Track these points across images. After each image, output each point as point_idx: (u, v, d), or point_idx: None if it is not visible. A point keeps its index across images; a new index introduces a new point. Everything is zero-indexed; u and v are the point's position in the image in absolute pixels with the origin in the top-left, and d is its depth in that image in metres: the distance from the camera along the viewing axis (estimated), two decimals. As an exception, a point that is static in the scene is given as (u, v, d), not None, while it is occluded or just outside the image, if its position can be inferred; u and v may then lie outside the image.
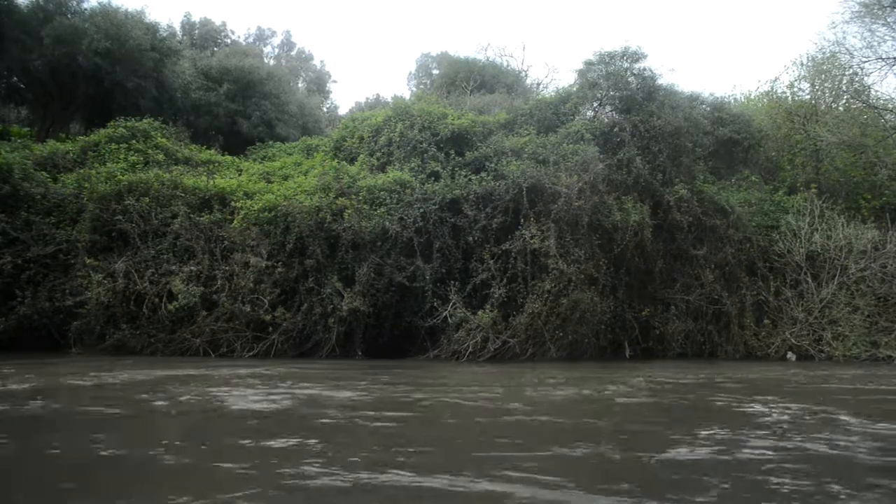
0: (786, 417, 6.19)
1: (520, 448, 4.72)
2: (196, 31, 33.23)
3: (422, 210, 12.65)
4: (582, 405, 6.98)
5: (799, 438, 5.07)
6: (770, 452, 4.53)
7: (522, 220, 12.53)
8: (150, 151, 14.76)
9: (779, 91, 21.06)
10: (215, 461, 4.18)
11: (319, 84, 43.77)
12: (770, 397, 7.62)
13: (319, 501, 3.41)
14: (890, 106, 18.73)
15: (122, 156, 14.29)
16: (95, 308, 11.42)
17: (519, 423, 5.82)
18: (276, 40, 47.06)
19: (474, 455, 4.42)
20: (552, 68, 52.34)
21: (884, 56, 17.56)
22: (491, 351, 11.76)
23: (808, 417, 6.27)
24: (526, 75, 32.07)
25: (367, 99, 37.52)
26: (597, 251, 12.96)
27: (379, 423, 5.61)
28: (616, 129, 14.58)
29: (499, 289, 12.15)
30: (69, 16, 19.50)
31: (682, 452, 4.54)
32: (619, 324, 13.45)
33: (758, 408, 6.69)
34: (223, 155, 17.05)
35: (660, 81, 15.18)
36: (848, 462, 4.38)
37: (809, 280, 14.24)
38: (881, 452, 4.64)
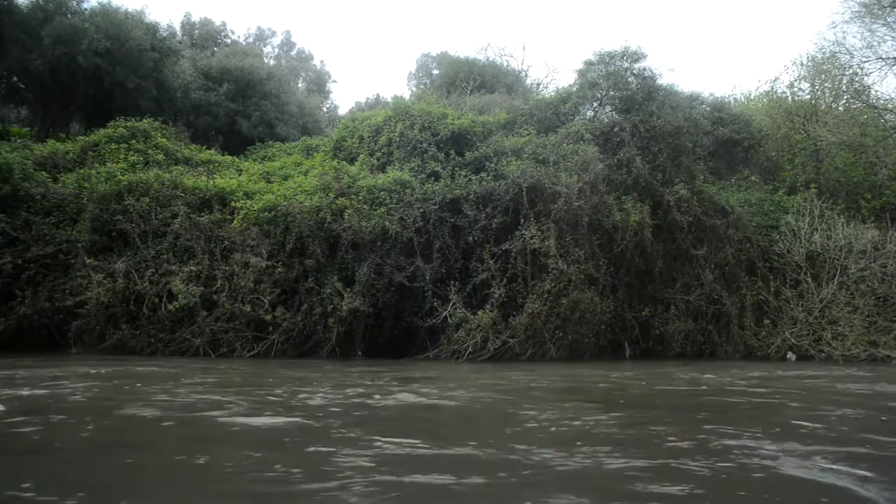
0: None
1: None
2: (196, 31, 33.21)
3: (422, 210, 12.65)
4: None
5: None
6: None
7: (522, 220, 12.53)
8: (150, 151, 14.76)
9: (779, 91, 21.10)
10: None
11: (319, 84, 43.76)
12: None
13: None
14: (890, 106, 18.74)
15: (122, 156, 14.29)
16: (95, 308, 11.42)
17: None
18: (276, 40, 47.04)
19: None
20: (552, 68, 52.55)
21: (884, 56, 17.58)
22: (491, 351, 11.76)
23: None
24: (526, 75, 32.12)
25: (367, 99, 37.53)
26: (597, 251, 12.96)
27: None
28: (616, 129, 14.58)
29: (499, 289, 12.15)
30: (69, 16, 19.50)
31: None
32: (619, 324, 13.46)
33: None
34: (223, 155, 17.04)
35: (660, 81, 15.21)
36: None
37: (809, 280, 14.24)
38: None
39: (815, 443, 4.78)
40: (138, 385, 7.43)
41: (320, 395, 7.02)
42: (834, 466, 4.01)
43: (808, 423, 5.59)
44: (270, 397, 6.80)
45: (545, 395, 7.68)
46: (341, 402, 6.53)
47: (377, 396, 6.89)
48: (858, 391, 8.41)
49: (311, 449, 4.37)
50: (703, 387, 8.70)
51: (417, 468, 3.89)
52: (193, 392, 6.97)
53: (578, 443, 4.57)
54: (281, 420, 5.38)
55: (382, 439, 4.60)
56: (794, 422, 5.80)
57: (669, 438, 4.90)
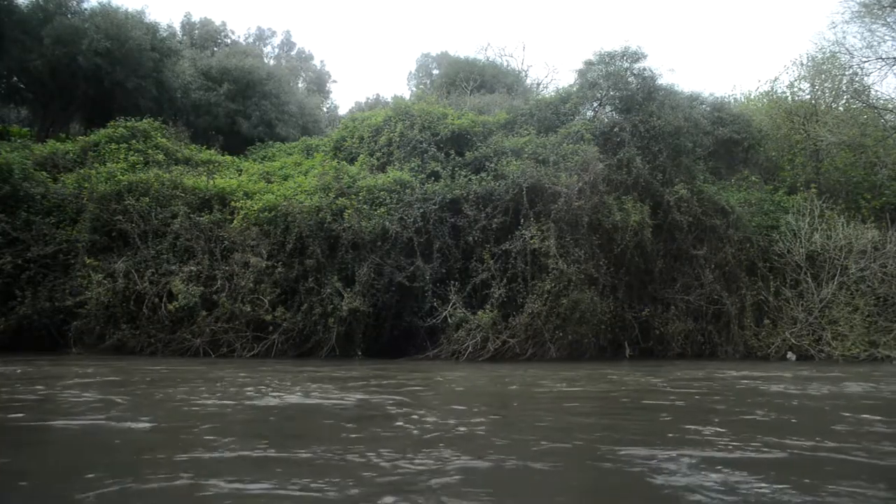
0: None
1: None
2: (196, 31, 33.21)
3: (422, 210, 12.65)
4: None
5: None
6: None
7: (522, 220, 12.53)
8: (150, 151, 14.76)
9: (779, 91, 21.09)
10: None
11: (319, 84, 43.77)
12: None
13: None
14: (890, 106, 18.74)
15: (122, 156, 14.29)
16: (95, 308, 11.42)
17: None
18: (276, 40, 47.08)
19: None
20: (552, 68, 52.48)
21: (884, 56, 17.58)
22: (491, 351, 11.76)
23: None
24: (526, 75, 32.10)
25: (367, 99, 37.55)
26: (597, 251, 12.96)
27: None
28: (616, 129, 14.58)
29: (499, 289, 12.15)
30: (69, 16, 19.50)
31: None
32: (619, 324, 13.46)
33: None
34: (223, 155, 17.05)
35: (660, 81, 15.21)
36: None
37: (809, 280, 14.24)
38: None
39: (688, 446, 4.64)
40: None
41: (217, 395, 6.88)
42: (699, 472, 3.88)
43: (705, 427, 5.44)
44: (158, 396, 6.71)
45: (452, 397, 7.50)
46: (221, 402, 6.38)
47: (271, 397, 6.76)
48: (792, 392, 8.23)
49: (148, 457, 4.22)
50: (627, 388, 8.36)
51: (233, 472, 3.78)
52: (70, 392, 6.85)
53: (426, 448, 4.41)
54: (142, 424, 5.20)
55: (221, 441, 4.56)
56: (687, 426, 5.50)
57: (542, 442, 4.74)
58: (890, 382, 9.61)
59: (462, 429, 5.29)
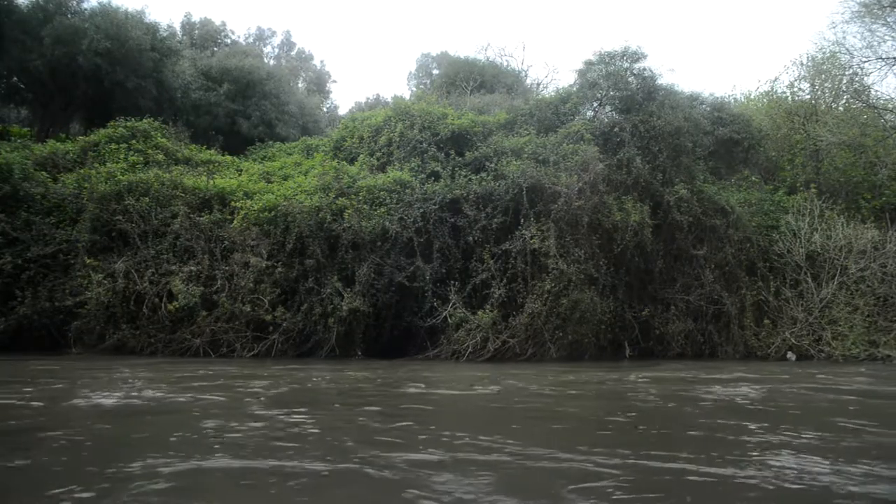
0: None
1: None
2: (196, 31, 33.22)
3: (422, 210, 12.65)
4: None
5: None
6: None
7: (522, 220, 12.53)
8: (150, 151, 14.76)
9: (779, 91, 21.10)
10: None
11: (319, 84, 43.77)
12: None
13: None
14: (890, 106, 18.74)
15: (122, 156, 14.29)
16: (95, 308, 11.42)
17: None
18: (276, 40, 47.08)
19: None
20: (552, 68, 52.47)
21: (884, 56, 17.58)
22: (491, 351, 11.76)
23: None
24: (526, 75, 32.12)
25: (367, 99, 37.57)
26: (597, 251, 12.96)
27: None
28: (616, 129, 14.57)
29: (499, 289, 12.15)
30: (69, 16, 19.51)
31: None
32: (619, 324, 13.45)
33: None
34: (223, 155, 17.04)
35: (660, 81, 15.20)
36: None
37: (809, 280, 14.24)
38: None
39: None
40: None
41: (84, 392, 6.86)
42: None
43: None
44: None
45: (291, 397, 7.30)
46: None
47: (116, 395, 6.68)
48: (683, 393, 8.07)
49: None
50: (494, 391, 8.06)
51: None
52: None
53: (217, 446, 4.34)
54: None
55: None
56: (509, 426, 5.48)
57: (345, 440, 4.69)
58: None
59: (288, 426, 5.26)
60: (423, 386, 8.33)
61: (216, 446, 4.49)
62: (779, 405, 7.11)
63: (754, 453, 4.58)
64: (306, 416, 5.72)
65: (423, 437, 5.00)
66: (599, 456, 4.32)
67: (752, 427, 5.55)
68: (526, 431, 5.41)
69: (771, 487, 3.70)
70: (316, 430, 5.16)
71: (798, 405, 7.21)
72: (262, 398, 6.89)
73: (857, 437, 5.29)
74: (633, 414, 6.41)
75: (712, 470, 4.04)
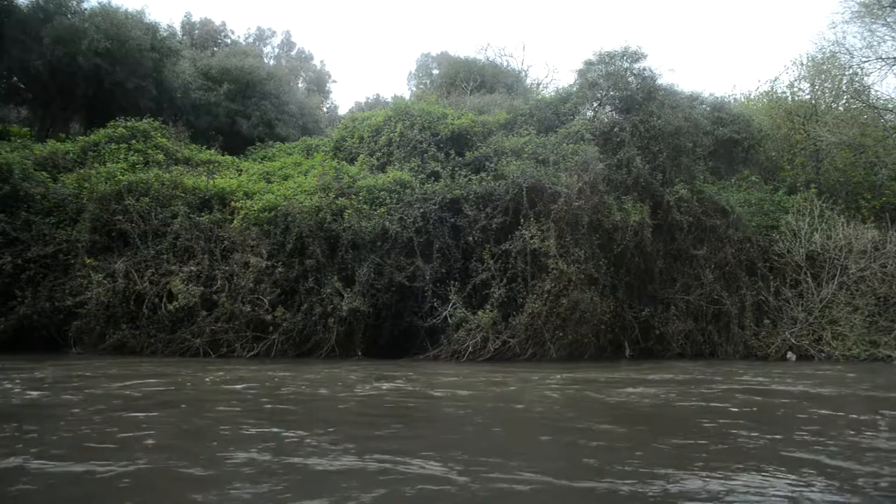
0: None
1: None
2: (196, 31, 33.25)
3: (422, 210, 12.65)
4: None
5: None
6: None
7: (522, 220, 12.53)
8: (150, 151, 14.76)
9: (779, 91, 21.10)
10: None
11: (319, 84, 43.79)
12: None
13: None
14: (890, 106, 18.73)
15: (122, 156, 14.29)
16: (95, 308, 11.41)
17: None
18: (276, 40, 47.10)
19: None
20: (552, 68, 52.42)
21: (884, 56, 17.56)
22: (491, 351, 11.76)
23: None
24: (526, 75, 32.08)
25: (367, 99, 37.59)
26: (597, 251, 12.95)
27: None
28: (616, 129, 14.58)
29: (499, 289, 12.15)
30: (69, 16, 19.50)
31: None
32: (619, 324, 13.45)
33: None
34: (223, 155, 17.05)
35: (660, 81, 15.20)
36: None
37: (809, 280, 14.24)
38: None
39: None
40: None
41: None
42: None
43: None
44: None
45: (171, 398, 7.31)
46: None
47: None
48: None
49: None
50: (384, 391, 8.01)
51: None
52: None
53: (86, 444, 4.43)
54: None
55: None
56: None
57: (229, 447, 4.75)
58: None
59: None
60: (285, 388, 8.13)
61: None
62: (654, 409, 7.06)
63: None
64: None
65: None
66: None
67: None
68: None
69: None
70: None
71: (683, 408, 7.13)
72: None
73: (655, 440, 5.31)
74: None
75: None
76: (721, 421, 6.22)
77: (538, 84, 31.12)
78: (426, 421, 6.37)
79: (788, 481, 4.04)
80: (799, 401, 7.78)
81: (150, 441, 4.84)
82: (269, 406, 6.73)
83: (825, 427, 5.94)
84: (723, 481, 4.00)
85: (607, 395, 7.90)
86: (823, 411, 6.97)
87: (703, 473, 4.18)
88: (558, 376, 9.52)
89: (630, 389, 8.25)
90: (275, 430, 5.35)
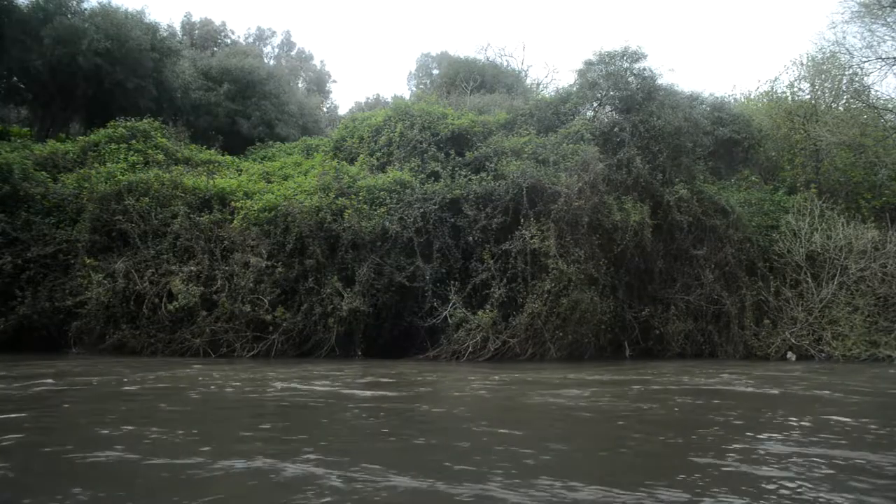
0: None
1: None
2: (196, 31, 33.26)
3: (422, 210, 12.65)
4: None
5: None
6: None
7: (522, 220, 12.53)
8: (150, 151, 14.76)
9: (779, 91, 21.08)
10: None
11: (319, 84, 43.81)
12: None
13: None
14: (890, 106, 18.73)
15: (122, 156, 14.30)
16: (95, 308, 11.42)
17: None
18: (276, 40, 47.11)
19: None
20: (552, 68, 52.51)
21: (884, 56, 17.56)
22: (491, 351, 11.76)
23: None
24: (526, 75, 32.11)
25: (367, 99, 37.59)
26: (597, 251, 12.95)
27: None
28: (616, 129, 14.58)
29: (499, 289, 12.14)
30: (69, 16, 19.51)
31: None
32: (619, 324, 13.45)
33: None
34: (223, 155, 17.06)
35: (660, 81, 15.20)
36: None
37: (809, 280, 14.24)
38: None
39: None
40: None
41: None
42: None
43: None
44: None
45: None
46: None
47: None
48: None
49: None
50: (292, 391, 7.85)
51: None
52: None
53: None
54: None
55: None
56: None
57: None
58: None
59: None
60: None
61: None
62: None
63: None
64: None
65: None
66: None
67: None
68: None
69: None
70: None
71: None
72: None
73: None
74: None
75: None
76: (618, 423, 5.98)
77: (538, 84, 31.15)
78: (297, 421, 6.11)
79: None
80: (735, 401, 7.51)
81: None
82: (164, 406, 6.59)
83: (729, 431, 5.66)
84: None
85: (529, 396, 7.60)
86: (750, 412, 6.67)
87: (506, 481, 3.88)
88: (496, 377, 9.30)
89: (564, 391, 7.96)
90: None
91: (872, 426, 6.05)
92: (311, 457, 4.41)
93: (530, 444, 4.96)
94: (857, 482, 3.97)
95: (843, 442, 5.18)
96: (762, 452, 4.80)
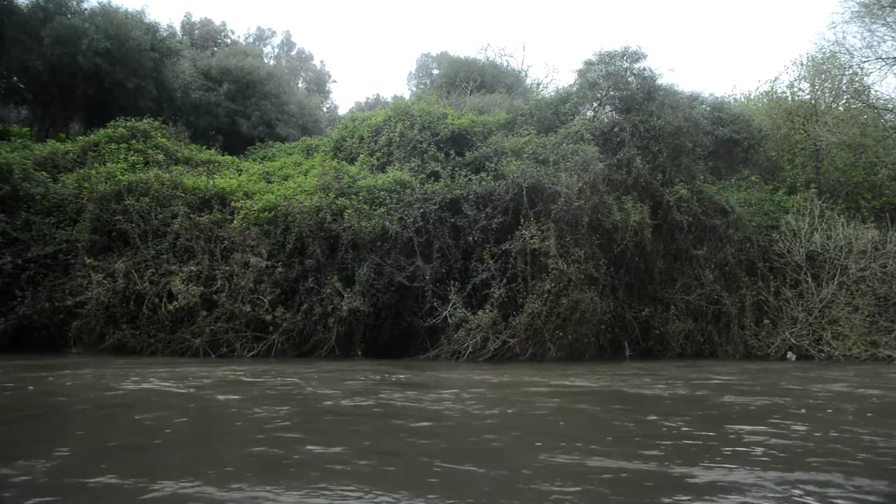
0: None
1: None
2: (196, 31, 33.27)
3: (422, 210, 12.64)
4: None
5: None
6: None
7: (522, 220, 12.53)
8: (150, 151, 14.76)
9: (779, 91, 21.08)
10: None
11: (319, 84, 43.81)
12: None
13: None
14: (890, 106, 18.73)
15: (122, 156, 14.30)
16: (95, 308, 11.42)
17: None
18: (276, 40, 47.11)
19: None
20: (552, 68, 52.54)
21: (884, 56, 17.56)
22: (491, 351, 11.76)
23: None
24: (526, 75, 32.13)
25: (367, 99, 37.58)
26: (597, 251, 12.95)
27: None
28: (616, 129, 14.57)
29: (499, 289, 12.14)
30: (69, 16, 19.52)
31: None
32: (619, 324, 13.45)
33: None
34: (223, 155, 17.06)
35: (660, 81, 15.19)
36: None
37: (809, 280, 14.24)
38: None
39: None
40: None
41: None
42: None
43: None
44: None
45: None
46: None
47: None
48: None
49: None
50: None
51: None
52: None
53: None
54: None
55: None
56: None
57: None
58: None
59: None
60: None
61: None
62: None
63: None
64: None
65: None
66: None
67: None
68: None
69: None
70: None
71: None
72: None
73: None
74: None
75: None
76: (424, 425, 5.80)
77: (538, 84, 31.16)
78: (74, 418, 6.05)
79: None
80: (601, 405, 7.26)
81: None
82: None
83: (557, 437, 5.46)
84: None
85: (408, 399, 7.34)
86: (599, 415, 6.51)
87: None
88: (394, 377, 9.19)
89: (449, 392, 7.75)
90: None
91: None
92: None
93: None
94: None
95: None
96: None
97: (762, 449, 4.96)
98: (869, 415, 6.83)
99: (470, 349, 11.73)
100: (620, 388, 8.62)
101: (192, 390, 7.65)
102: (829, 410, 7.06)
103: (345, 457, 4.65)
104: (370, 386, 8.39)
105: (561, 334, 12.07)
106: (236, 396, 7.35)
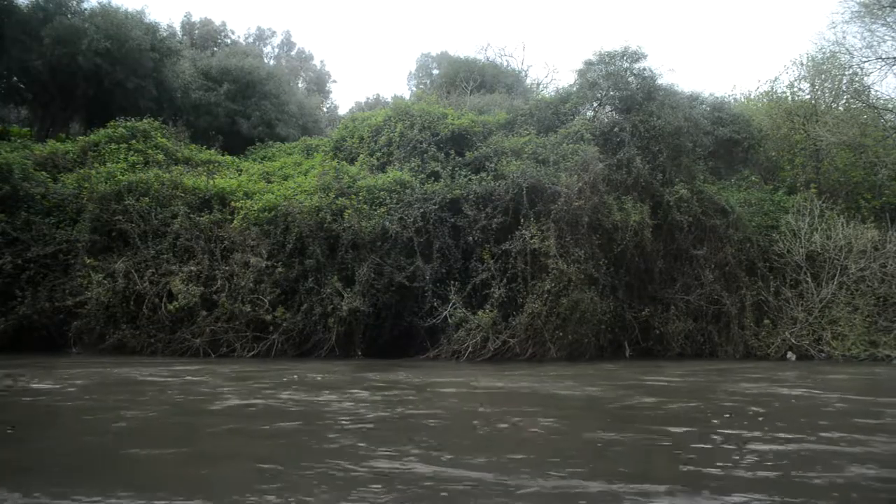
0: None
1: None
2: (196, 31, 33.25)
3: (422, 210, 12.65)
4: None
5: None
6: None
7: (522, 220, 12.53)
8: (150, 151, 14.77)
9: (779, 91, 21.07)
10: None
11: (319, 84, 43.78)
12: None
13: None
14: (890, 106, 18.73)
15: (122, 156, 14.30)
16: (95, 308, 11.42)
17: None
18: (276, 40, 47.05)
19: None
20: (552, 68, 52.48)
21: (884, 56, 17.55)
22: (491, 351, 11.76)
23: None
24: (526, 75, 32.11)
25: (367, 99, 37.57)
26: (597, 251, 12.95)
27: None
28: (616, 129, 14.57)
29: (499, 289, 12.14)
30: (69, 16, 19.52)
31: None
32: (619, 324, 13.45)
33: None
34: (223, 155, 17.06)
35: (660, 81, 15.20)
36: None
37: (809, 280, 14.24)
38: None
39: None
40: None
41: None
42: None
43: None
44: None
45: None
46: None
47: None
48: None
49: None
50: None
51: None
52: None
53: None
54: None
55: None
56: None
57: None
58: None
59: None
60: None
61: None
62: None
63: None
64: None
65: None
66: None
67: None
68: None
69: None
70: None
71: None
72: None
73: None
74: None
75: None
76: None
77: (538, 84, 31.15)
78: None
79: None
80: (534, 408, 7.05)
81: None
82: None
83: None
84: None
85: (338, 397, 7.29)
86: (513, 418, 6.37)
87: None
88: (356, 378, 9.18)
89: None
90: None
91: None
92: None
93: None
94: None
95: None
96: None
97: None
98: (727, 415, 6.45)
99: (470, 349, 11.73)
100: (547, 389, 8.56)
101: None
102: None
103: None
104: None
105: (561, 334, 12.07)
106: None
